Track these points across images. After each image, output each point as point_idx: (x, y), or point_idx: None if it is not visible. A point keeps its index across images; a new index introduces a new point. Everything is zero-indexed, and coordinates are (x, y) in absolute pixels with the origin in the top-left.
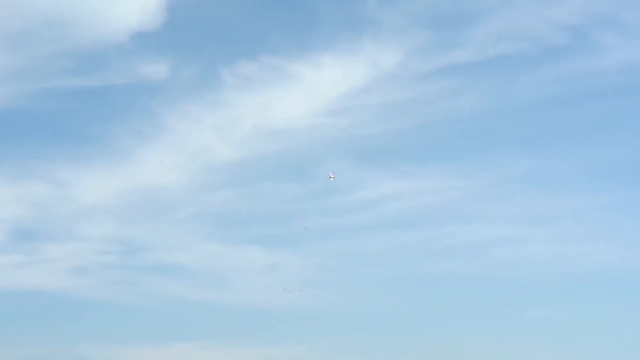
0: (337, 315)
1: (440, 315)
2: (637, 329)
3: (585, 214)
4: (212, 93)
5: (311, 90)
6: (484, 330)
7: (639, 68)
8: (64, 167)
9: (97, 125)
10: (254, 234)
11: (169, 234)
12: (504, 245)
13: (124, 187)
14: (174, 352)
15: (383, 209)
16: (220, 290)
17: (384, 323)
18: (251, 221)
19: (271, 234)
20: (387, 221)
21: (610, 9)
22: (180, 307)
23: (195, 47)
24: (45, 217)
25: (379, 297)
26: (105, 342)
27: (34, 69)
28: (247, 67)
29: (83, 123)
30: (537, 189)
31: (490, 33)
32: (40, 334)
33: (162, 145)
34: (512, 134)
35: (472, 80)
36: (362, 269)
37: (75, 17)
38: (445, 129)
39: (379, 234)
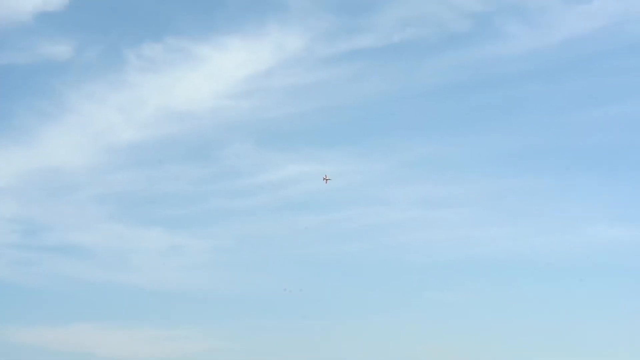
0: (237, 297)
1: (340, 298)
2: (532, 311)
3: (485, 198)
4: (116, 74)
5: (216, 73)
6: (383, 312)
7: (541, 56)
8: None
9: None
10: (156, 216)
11: (71, 215)
12: (404, 228)
13: (26, 167)
14: (74, 333)
15: (286, 191)
16: (121, 271)
17: (284, 305)
18: (154, 202)
19: (174, 216)
20: (290, 204)
21: None
22: (81, 288)
23: (99, 27)
24: None
25: (280, 280)
26: (5, 322)
27: None
28: (151, 49)
29: None
30: (438, 173)
31: (395, 19)
32: None
33: (65, 125)
34: (415, 119)
35: (377, 65)
36: (264, 251)
37: None
38: (348, 113)
39: (282, 216)
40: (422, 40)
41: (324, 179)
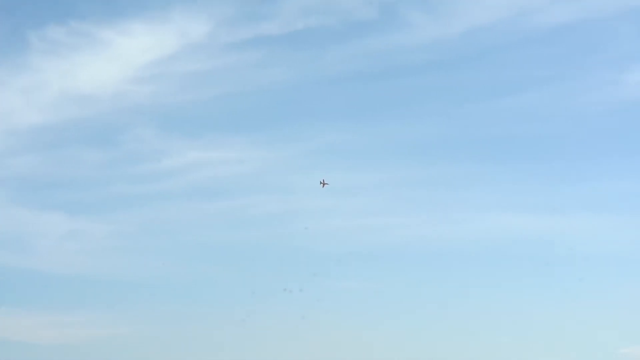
0: (138, 282)
1: (241, 284)
2: (433, 299)
3: (388, 187)
4: (19, 57)
5: (119, 57)
6: (285, 299)
7: (444, 46)
8: None
9: None
10: (57, 200)
11: None
12: (308, 216)
13: None
14: None
15: (188, 177)
16: (21, 255)
17: (185, 291)
18: (55, 186)
19: (75, 200)
20: (192, 190)
21: None
22: None
23: (2, 10)
24: None
25: (181, 266)
26: None
27: None
28: (55, 32)
29: None
30: (341, 161)
31: (299, 6)
32: None
33: None
34: (319, 107)
35: (280, 52)
36: (166, 237)
37: None
38: (252, 100)
39: (184, 202)
40: (326, 28)
41: (321, 183)
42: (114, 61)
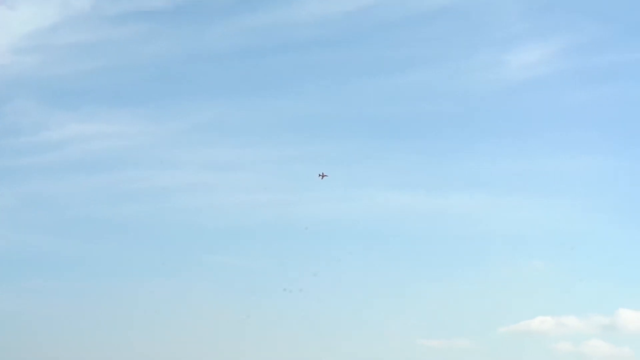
0: (15, 257)
1: (123, 260)
2: (314, 276)
3: (273, 163)
4: None
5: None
6: (167, 275)
7: (332, 23)
8: None
9: None
10: None
11: None
12: (192, 192)
13: None
14: None
15: (68, 150)
16: None
17: (64, 266)
18: None
19: None
20: (73, 163)
21: None
22: None
23: None
24: None
25: (61, 240)
26: None
27: None
28: None
29: None
30: (227, 137)
31: None
32: None
33: None
34: (203, 82)
35: (165, 26)
36: (45, 210)
37: None
38: (135, 74)
39: (64, 175)
40: (211, 3)
41: (319, 175)
42: None
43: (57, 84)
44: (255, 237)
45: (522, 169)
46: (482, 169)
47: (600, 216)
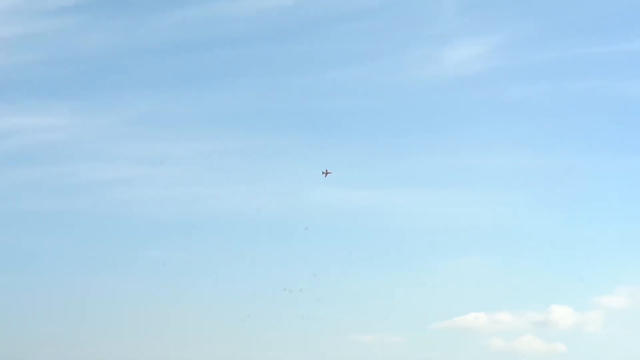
0: None
1: (58, 255)
2: (248, 270)
3: (207, 157)
4: None
5: None
6: (103, 269)
7: (268, 18)
8: None
9: None
10: None
11: None
12: (126, 186)
13: None
14: None
15: (5, 143)
16: None
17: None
18: None
19: None
20: (9, 156)
21: None
22: None
23: None
24: None
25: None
26: None
27: None
28: None
29: None
30: (161, 131)
31: None
32: None
33: None
34: (138, 76)
35: (100, 19)
36: None
37: None
38: (71, 67)
39: (1, 169)
40: None
41: (323, 172)
42: None
43: None
44: (190, 231)
45: (457, 164)
46: (417, 165)
47: (535, 212)
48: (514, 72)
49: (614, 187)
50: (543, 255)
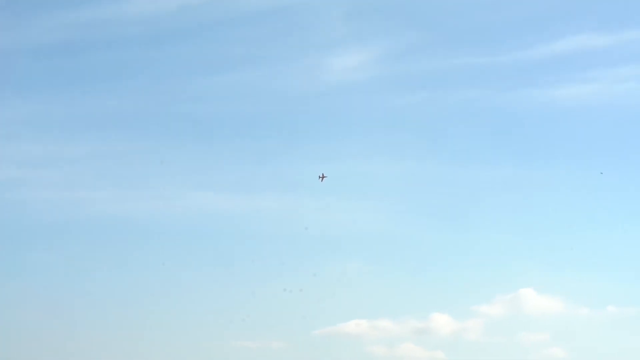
0: None
1: None
2: (128, 273)
3: (90, 160)
4: None
5: None
6: None
7: (155, 21)
8: None
9: None
10: None
11: None
12: (9, 187)
13: None
14: None
15: None
16: None
17: None
18: None
19: None
20: None
21: None
22: None
23: None
24: None
25: None
26: None
27: None
28: None
29: None
30: (44, 133)
31: None
32: None
33: None
34: (18, 77)
35: None
36: None
37: None
38: None
39: None
40: None
41: (319, 177)
42: None
43: None
44: (73, 234)
45: (339, 171)
46: (299, 171)
47: (416, 220)
48: (396, 81)
49: (493, 197)
50: (424, 263)
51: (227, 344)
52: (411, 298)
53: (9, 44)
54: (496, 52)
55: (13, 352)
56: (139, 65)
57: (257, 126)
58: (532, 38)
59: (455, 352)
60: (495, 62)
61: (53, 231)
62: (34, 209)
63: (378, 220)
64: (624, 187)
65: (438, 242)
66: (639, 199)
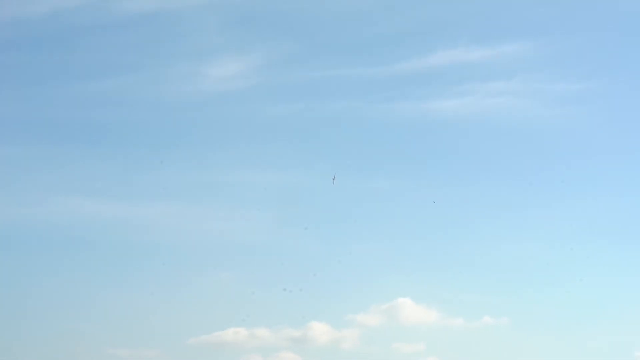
0: None
1: None
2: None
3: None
4: None
5: None
6: None
7: (26, 25)
8: None
9: None
10: None
11: None
12: None
13: None
14: None
15: None
16: None
17: None
18: None
19: None
20: None
21: None
22: None
23: None
24: None
25: None
26: None
27: None
28: None
29: None
30: None
31: None
32: None
33: None
34: None
35: None
36: None
37: None
38: None
39: None
40: None
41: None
42: None
43: None
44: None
45: (212, 180)
46: (172, 179)
47: (289, 230)
48: (273, 91)
49: (370, 207)
50: (301, 272)
51: (99, 352)
52: (288, 307)
53: None
54: (373, 63)
55: None
56: (11, 70)
57: (133, 133)
58: (408, 51)
59: None
60: (372, 73)
61: None
62: None
63: (255, 229)
64: (496, 198)
65: (312, 252)
66: (511, 209)
